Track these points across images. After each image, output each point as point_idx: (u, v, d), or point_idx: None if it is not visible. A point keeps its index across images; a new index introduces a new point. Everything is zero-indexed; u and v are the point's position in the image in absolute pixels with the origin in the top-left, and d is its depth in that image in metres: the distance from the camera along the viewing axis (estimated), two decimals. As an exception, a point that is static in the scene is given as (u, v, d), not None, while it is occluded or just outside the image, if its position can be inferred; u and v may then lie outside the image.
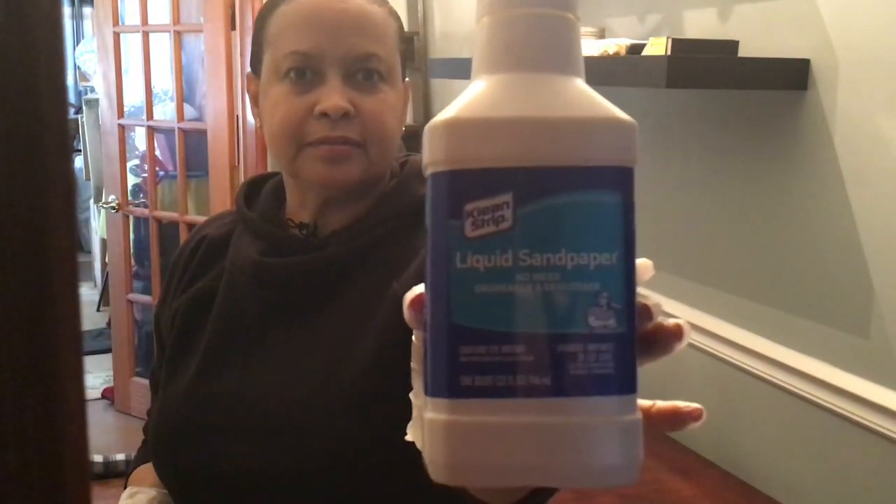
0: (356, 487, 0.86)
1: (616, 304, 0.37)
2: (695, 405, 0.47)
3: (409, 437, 0.46)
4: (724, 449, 1.83)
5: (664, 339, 0.43)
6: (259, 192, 1.05)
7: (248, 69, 1.01)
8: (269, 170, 1.00)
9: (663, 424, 0.49)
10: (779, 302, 1.68)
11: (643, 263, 0.43)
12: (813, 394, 1.60)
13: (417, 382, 0.44)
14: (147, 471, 1.05)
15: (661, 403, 0.48)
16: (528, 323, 0.36)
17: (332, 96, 0.89)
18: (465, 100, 0.39)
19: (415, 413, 0.46)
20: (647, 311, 0.41)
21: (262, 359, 0.92)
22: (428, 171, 0.39)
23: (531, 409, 0.36)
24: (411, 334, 0.45)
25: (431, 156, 0.38)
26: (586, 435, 0.37)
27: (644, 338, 0.42)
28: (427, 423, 0.38)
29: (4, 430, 0.28)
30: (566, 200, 0.36)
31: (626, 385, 0.38)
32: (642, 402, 0.46)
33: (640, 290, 0.40)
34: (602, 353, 0.37)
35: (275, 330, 0.93)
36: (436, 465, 0.37)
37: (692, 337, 1.62)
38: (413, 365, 0.45)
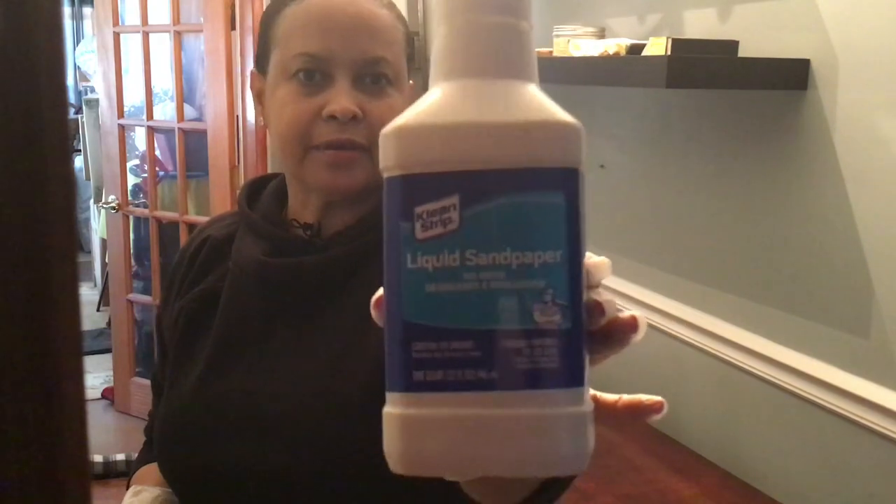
0: (364, 487, 0.86)
1: (561, 300, 0.38)
2: (657, 398, 0.48)
3: None
4: (724, 449, 1.83)
5: (620, 332, 0.44)
6: (261, 193, 1.04)
7: (252, 67, 1.01)
8: (270, 170, 1.00)
9: (628, 417, 0.50)
10: (779, 302, 1.68)
11: (601, 262, 0.45)
12: (813, 394, 1.60)
13: None
14: (150, 470, 1.04)
15: (626, 397, 0.49)
16: (476, 320, 0.38)
17: (341, 99, 0.89)
18: (417, 107, 0.40)
19: None
20: (599, 308, 0.42)
21: (269, 358, 0.93)
22: (384, 176, 0.40)
23: (480, 403, 0.37)
24: None
25: (384, 161, 0.40)
26: (533, 426, 0.38)
27: (600, 333, 0.43)
28: (384, 416, 0.40)
29: (4, 430, 0.28)
30: (510, 201, 0.38)
31: (573, 378, 0.38)
32: (609, 396, 0.48)
33: (601, 289, 0.42)
34: (548, 347, 0.38)
35: (281, 329, 0.94)
36: (391, 457, 0.39)
37: (692, 337, 1.63)
38: None
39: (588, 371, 0.40)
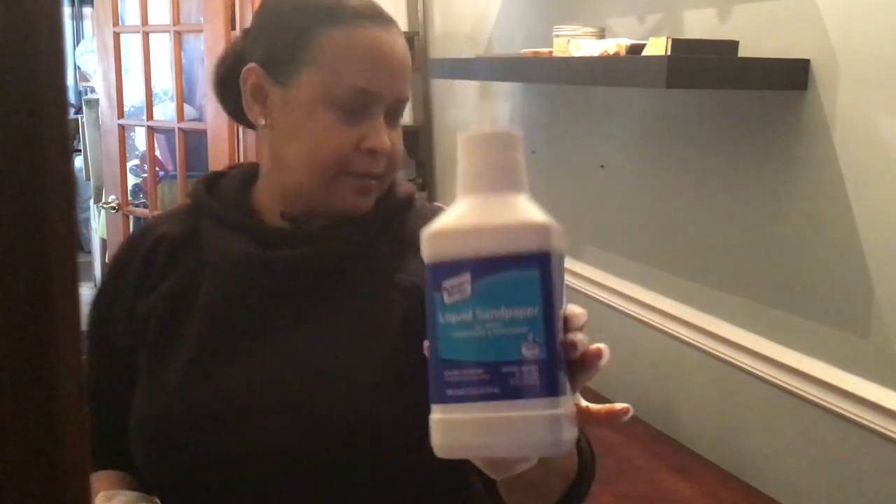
0: (370, 466, 0.91)
1: (539, 340, 0.56)
2: (625, 405, 0.65)
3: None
4: (724, 449, 1.83)
5: (590, 360, 0.59)
6: (216, 188, 1.06)
7: (254, 64, 0.98)
8: (266, 170, 1.01)
9: (602, 421, 0.66)
10: (779, 302, 1.68)
11: (579, 313, 0.61)
12: (813, 393, 1.60)
13: None
14: (108, 477, 1.02)
15: (597, 406, 0.66)
16: (484, 355, 0.56)
17: (382, 136, 0.96)
18: (444, 215, 0.60)
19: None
20: (573, 345, 0.58)
21: (267, 347, 0.95)
22: (425, 262, 0.59)
23: (489, 409, 0.56)
24: (418, 322, 0.68)
25: (425, 252, 0.59)
26: (523, 423, 0.56)
27: (578, 362, 0.59)
28: (430, 419, 0.58)
29: (4, 431, 0.28)
30: (503, 277, 0.56)
31: (550, 390, 0.56)
32: (592, 406, 0.66)
33: (579, 333, 0.59)
34: (531, 371, 0.55)
35: (277, 319, 0.96)
36: (436, 446, 0.58)
37: (692, 337, 1.65)
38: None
39: (566, 385, 0.57)
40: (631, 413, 0.65)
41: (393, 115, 0.98)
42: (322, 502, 0.93)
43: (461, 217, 0.59)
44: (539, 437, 0.56)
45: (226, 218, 1.00)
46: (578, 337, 0.58)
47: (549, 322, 0.56)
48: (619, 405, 0.65)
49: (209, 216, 1.02)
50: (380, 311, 0.96)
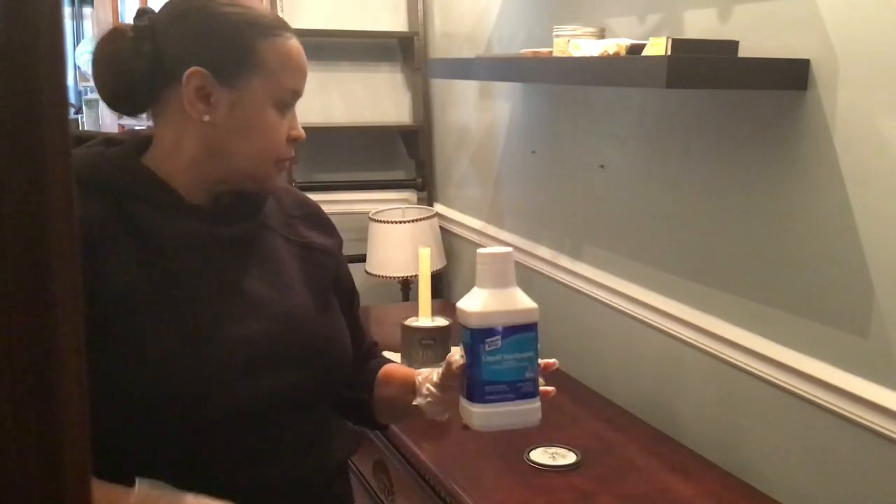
0: (327, 393, 1.28)
1: (533, 368, 1.09)
2: (551, 388, 1.16)
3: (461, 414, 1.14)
4: (724, 449, 1.83)
5: (549, 371, 1.15)
6: (109, 161, 1.17)
7: (198, 67, 1.12)
8: (192, 156, 1.18)
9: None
10: (778, 302, 1.68)
11: (552, 362, 1.16)
12: (813, 394, 1.60)
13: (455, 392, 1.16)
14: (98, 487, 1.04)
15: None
16: (507, 377, 1.07)
17: (298, 126, 1.21)
18: (475, 298, 1.08)
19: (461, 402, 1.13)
20: (546, 369, 1.15)
21: (241, 307, 1.16)
22: (470, 326, 1.08)
23: (508, 405, 1.08)
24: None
25: (465, 320, 1.08)
26: (525, 411, 1.09)
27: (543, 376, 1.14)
28: (471, 411, 1.08)
29: (4, 430, 0.28)
30: (517, 337, 1.07)
31: (536, 394, 1.09)
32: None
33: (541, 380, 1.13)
34: (529, 385, 1.08)
35: (238, 283, 1.18)
36: (474, 425, 1.09)
37: (692, 337, 1.70)
38: (445, 382, 1.19)
39: (539, 391, 1.11)
40: (556, 365, 1.17)
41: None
42: (300, 431, 1.21)
43: (488, 303, 1.07)
44: (532, 417, 1.09)
45: (159, 201, 1.15)
46: (547, 362, 1.15)
47: (537, 358, 1.10)
48: (550, 389, 1.15)
49: (136, 198, 1.14)
50: (293, 263, 1.25)
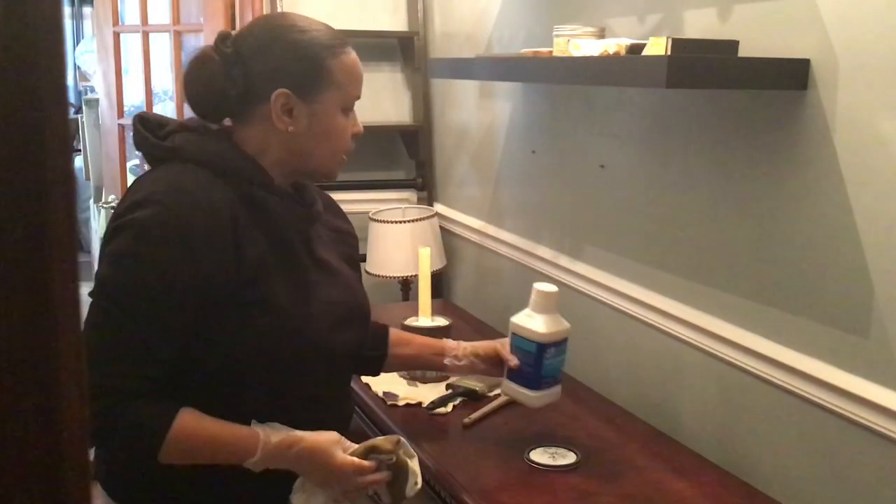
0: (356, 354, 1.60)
1: (562, 368, 1.77)
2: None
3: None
4: (724, 449, 1.83)
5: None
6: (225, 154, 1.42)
7: (283, 89, 1.38)
8: (277, 156, 1.46)
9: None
10: (778, 301, 1.68)
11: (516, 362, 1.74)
12: (813, 393, 1.60)
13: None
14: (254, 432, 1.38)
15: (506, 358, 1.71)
16: (553, 372, 1.74)
17: (358, 123, 1.50)
18: (537, 321, 1.70)
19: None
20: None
21: (327, 276, 1.48)
22: (543, 340, 1.70)
23: (553, 390, 1.76)
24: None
25: (533, 336, 1.69)
26: (556, 392, 1.77)
27: None
28: (530, 395, 1.72)
29: (4, 430, 0.28)
30: (561, 347, 1.73)
31: (561, 381, 1.78)
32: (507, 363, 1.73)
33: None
34: (560, 375, 1.77)
35: (326, 256, 1.51)
36: (533, 406, 1.74)
37: (692, 337, 1.68)
38: (485, 362, 1.79)
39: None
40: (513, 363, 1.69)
41: None
42: (349, 378, 1.60)
43: (549, 326, 1.67)
44: (559, 395, 1.75)
45: (278, 191, 1.43)
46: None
47: (565, 358, 1.73)
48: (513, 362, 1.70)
49: (261, 188, 1.40)
50: (332, 244, 1.56)
